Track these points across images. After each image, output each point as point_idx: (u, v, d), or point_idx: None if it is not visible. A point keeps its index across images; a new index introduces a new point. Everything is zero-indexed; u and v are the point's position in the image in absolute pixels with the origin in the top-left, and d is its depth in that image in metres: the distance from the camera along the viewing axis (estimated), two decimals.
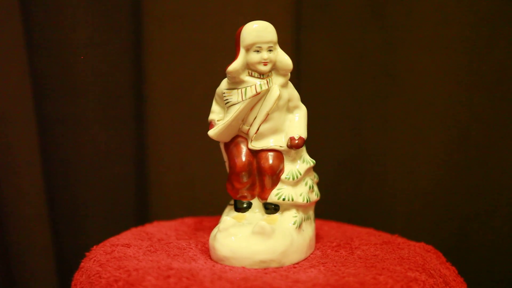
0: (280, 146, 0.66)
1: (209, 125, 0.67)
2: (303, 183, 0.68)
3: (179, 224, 0.77)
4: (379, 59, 0.96)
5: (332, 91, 0.98)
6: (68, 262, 0.95)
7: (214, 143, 0.67)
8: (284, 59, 0.64)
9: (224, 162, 0.68)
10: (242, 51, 0.63)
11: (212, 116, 0.67)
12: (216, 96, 0.67)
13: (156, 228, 0.75)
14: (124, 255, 0.63)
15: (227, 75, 0.64)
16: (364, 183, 0.99)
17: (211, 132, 0.65)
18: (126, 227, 0.76)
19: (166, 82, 0.94)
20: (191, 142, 0.95)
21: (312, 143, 0.98)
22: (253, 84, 0.63)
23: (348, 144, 0.99)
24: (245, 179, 0.65)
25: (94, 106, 0.96)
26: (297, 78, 0.92)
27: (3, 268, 0.90)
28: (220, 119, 0.66)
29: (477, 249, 0.97)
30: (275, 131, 0.66)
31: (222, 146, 0.67)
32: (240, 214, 0.66)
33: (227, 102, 0.64)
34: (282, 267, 0.62)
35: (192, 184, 0.96)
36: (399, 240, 0.72)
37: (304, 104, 0.67)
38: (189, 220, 0.79)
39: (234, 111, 0.64)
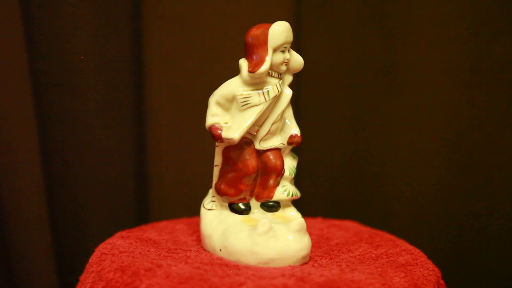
0: (283, 144, 0.66)
1: (211, 128, 0.63)
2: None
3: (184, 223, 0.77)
4: (379, 59, 0.96)
5: (332, 91, 0.98)
6: (68, 262, 0.95)
7: (213, 142, 0.66)
8: (299, 59, 0.65)
9: (215, 165, 0.65)
10: (270, 52, 0.61)
11: (215, 119, 0.63)
12: (219, 99, 0.63)
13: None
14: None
15: (254, 76, 0.62)
16: (364, 183, 0.99)
17: (236, 135, 0.62)
18: (126, 227, 0.76)
19: (166, 82, 0.94)
20: (191, 142, 0.95)
21: (312, 143, 0.99)
22: (274, 84, 0.63)
23: (348, 144, 0.99)
24: (252, 181, 0.65)
25: (94, 106, 0.95)
26: (297, 78, 0.92)
27: (3, 268, 0.90)
28: (226, 122, 0.63)
29: (477, 249, 0.97)
30: (281, 130, 0.66)
31: (220, 150, 0.65)
32: (246, 216, 0.65)
33: (246, 104, 0.62)
34: (304, 264, 0.62)
35: (192, 184, 0.96)
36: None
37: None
38: (189, 221, 0.79)
39: (256, 112, 0.62)
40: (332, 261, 0.64)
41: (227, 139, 0.62)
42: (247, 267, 0.59)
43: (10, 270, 0.90)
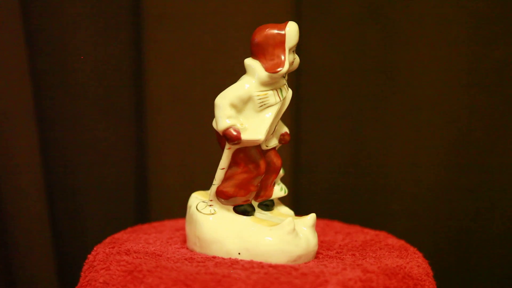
0: (277, 143, 0.67)
1: (227, 130, 0.61)
2: None
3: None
4: (379, 59, 0.96)
5: (332, 91, 0.98)
6: (68, 262, 0.95)
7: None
8: (297, 59, 0.65)
9: (221, 169, 0.64)
10: (287, 52, 0.61)
11: (232, 121, 0.61)
12: (234, 100, 0.61)
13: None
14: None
15: (274, 76, 0.61)
16: (364, 183, 0.99)
17: (262, 136, 0.61)
18: (126, 227, 0.76)
19: (166, 82, 0.94)
20: (191, 142, 0.95)
21: (312, 143, 0.99)
22: (283, 83, 0.63)
23: (348, 144, 0.99)
24: (259, 181, 0.65)
25: (94, 106, 0.95)
26: (297, 78, 0.92)
27: (3, 268, 0.90)
28: (242, 124, 0.62)
29: (477, 249, 0.97)
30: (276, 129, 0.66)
31: (231, 152, 0.63)
32: (253, 217, 0.65)
33: (263, 104, 0.62)
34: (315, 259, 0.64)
35: (192, 184, 0.96)
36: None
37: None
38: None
39: (273, 112, 0.62)
40: (330, 256, 0.65)
41: (252, 140, 0.61)
42: (288, 267, 0.60)
43: (10, 270, 0.90)
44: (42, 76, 0.92)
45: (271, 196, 0.67)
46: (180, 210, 0.95)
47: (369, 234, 0.74)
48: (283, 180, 0.69)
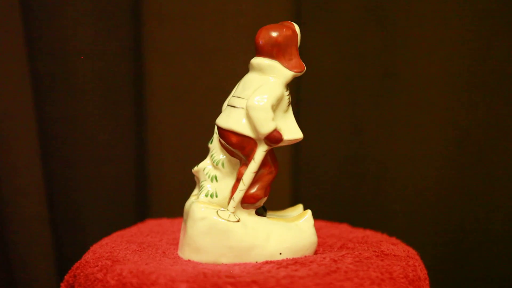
0: None
1: (274, 132, 0.61)
2: None
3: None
4: (379, 59, 0.96)
5: (332, 91, 0.98)
6: (68, 262, 0.95)
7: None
8: None
9: (253, 172, 0.62)
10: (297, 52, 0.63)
11: (275, 123, 0.61)
12: (274, 102, 0.61)
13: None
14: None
15: (297, 75, 0.62)
16: (364, 183, 0.99)
17: (302, 134, 0.63)
18: (126, 227, 0.76)
19: (166, 82, 0.94)
20: (191, 141, 0.95)
21: (312, 143, 0.99)
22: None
23: (348, 144, 0.99)
24: None
25: (94, 106, 0.96)
26: (297, 78, 0.92)
27: (3, 268, 0.90)
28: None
29: (476, 249, 0.97)
30: None
31: (265, 155, 0.62)
32: (269, 217, 0.65)
33: (289, 104, 0.63)
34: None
35: (192, 184, 0.96)
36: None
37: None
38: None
39: (291, 110, 0.63)
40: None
41: (294, 139, 0.62)
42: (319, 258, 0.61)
43: (10, 270, 0.90)
44: (42, 76, 0.92)
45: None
46: (180, 210, 0.95)
47: (367, 235, 0.73)
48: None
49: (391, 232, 0.77)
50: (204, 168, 0.65)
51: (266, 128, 0.60)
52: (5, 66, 0.86)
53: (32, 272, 0.90)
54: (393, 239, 0.71)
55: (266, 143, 0.61)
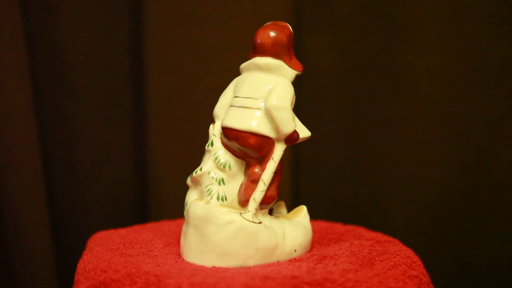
0: None
1: (292, 134, 0.62)
2: None
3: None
4: (379, 59, 0.96)
5: (332, 91, 0.98)
6: (68, 262, 0.95)
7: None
8: None
9: (273, 172, 0.62)
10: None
11: (295, 123, 0.62)
12: (292, 101, 0.62)
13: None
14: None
15: (299, 74, 0.63)
16: (364, 183, 0.99)
17: (310, 132, 0.63)
18: (125, 227, 0.76)
19: (166, 82, 0.94)
20: (191, 141, 0.95)
21: (312, 143, 0.98)
22: None
23: (348, 144, 0.99)
24: None
25: (94, 106, 0.96)
26: (297, 78, 0.92)
27: (3, 268, 0.90)
28: None
29: (476, 249, 0.97)
30: None
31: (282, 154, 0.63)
32: (276, 216, 0.65)
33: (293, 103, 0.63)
34: None
35: None
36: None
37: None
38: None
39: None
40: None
41: (306, 138, 0.63)
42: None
43: (10, 270, 0.90)
44: (42, 76, 0.92)
45: None
46: (180, 210, 0.95)
47: (365, 236, 0.73)
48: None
49: (391, 232, 0.78)
50: (209, 171, 0.64)
51: (289, 127, 0.61)
52: (5, 66, 0.86)
53: (32, 272, 0.90)
54: (393, 239, 0.71)
55: (285, 142, 0.61)
